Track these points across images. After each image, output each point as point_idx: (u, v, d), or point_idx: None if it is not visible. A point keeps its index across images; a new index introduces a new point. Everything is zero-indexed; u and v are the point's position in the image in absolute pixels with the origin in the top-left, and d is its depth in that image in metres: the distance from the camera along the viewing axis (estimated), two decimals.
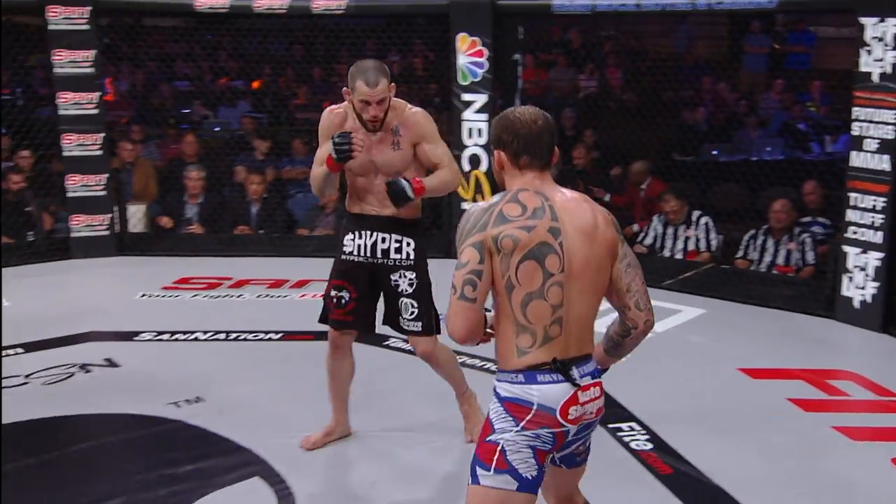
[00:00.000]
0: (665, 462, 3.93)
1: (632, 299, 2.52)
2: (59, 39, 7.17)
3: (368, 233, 3.79)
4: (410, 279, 3.79)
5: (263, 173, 8.22)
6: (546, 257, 2.33)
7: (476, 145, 7.22)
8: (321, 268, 7.01)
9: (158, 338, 5.59)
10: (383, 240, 3.77)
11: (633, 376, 4.88)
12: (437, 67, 8.31)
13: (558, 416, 2.35)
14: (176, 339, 5.58)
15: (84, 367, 5.09)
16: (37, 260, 7.30)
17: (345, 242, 3.85)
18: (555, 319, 2.35)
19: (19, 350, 5.36)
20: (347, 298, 3.81)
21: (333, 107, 3.83)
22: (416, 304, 3.80)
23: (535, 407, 2.33)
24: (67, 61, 7.19)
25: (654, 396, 4.66)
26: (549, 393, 2.34)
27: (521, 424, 2.33)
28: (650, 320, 2.58)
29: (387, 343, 5.28)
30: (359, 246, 3.81)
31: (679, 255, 7.12)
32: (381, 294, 3.90)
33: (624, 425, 4.28)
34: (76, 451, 4.24)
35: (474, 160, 7.25)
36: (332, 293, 3.85)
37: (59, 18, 7.13)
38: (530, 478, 2.36)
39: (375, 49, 9.93)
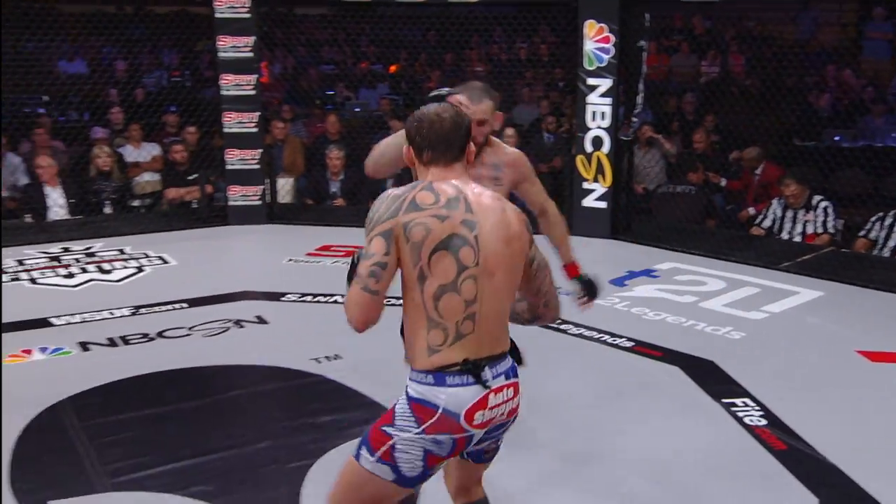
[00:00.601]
0: (779, 438, 3.75)
1: (542, 299, 2.48)
2: (223, 27, 7.40)
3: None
4: None
5: None
6: (460, 249, 2.17)
7: (599, 128, 7.12)
8: None
9: (302, 299, 5.72)
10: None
11: (749, 354, 4.76)
12: (563, 53, 8.20)
13: (462, 422, 2.19)
14: (318, 301, 5.69)
15: (238, 323, 5.25)
16: (199, 225, 7.60)
17: None
18: (468, 315, 2.19)
19: (184, 304, 5.58)
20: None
21: None
22: None
23: (440, 411, 2.18)
24: (230, 46, 7.40)
25: (769, 374, 4.49)
26: (457, 397, 2.18)
27: (423, 427, 2.18)
28: (557, 316, 2.61)
29: None
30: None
31: (798, 239, 6.85)
32: None
33: (738, 401, 4.11)
34: (229, 397, 4.42)
35: (597, 142, 7.15)
36: None
37: (224, 7, 7.34)
38: (410, 476, 2.23)
39: (504, 35, 9.92)
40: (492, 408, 2.22)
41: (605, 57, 6.99)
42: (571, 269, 3.44)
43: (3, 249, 6.81)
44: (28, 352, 4.78)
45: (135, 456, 3.63)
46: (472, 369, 2.18)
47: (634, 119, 7.26)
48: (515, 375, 2.33)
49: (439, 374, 2.18)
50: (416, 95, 9.48)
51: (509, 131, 8.03)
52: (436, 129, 2.27)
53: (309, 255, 6.75)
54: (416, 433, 2.18)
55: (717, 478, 3.47)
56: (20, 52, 8.09)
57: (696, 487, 3.40)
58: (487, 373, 2.21)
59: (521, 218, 2.32)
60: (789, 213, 6.90)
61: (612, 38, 6.92)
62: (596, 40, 6.98)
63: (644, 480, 3.44)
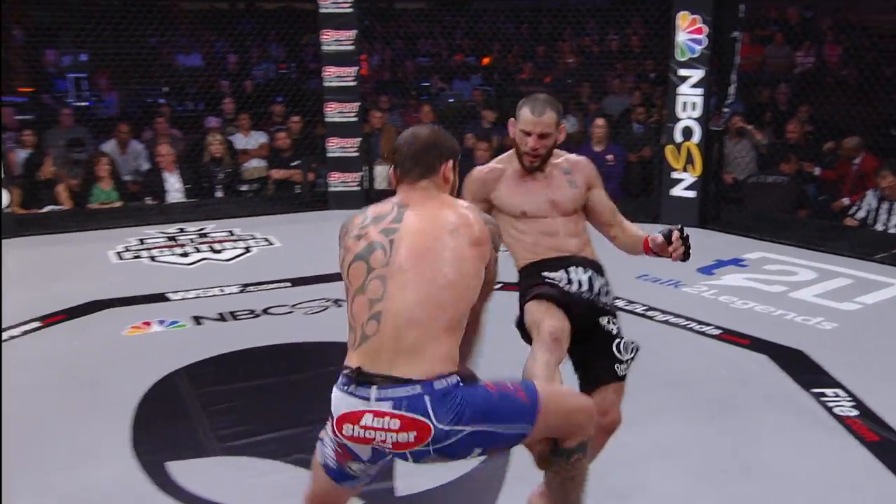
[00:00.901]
0: (871, 430, 3.59)
1: (471, 320, 2.24)
2: (327, 21, 7.50)
3: (573, 267, 2.99)
4: (618, 326, 3.13)
5: (490, 140, 8.28)
6: (372, 254, 2.10)
7: (689, 118, 6.96)
8: None
9: None
10: (576, 282, 2.99)
11: (840, 344, 4.60)
12: (655, 44, 8.04)
13: (333, 426, 2.09)
14: None
15: (336, 302, 5.28)
16: (302, 209, 7.74)
17: (549, 276, 2.98)
18: (372, 314, 2.06)
19: (287, 284, 5.68)
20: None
21: (485, 167, 3.11)
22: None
23: (331, 411, 2.12)
24: (333, 40, 7.50)
25: (861, 365, 4.31)
26: (337, 400, 2.08)
27: (329, 422, 2.15)
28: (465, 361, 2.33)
29: None
30: (570, 280, 2.97)
31: (893, 231, 6.56)
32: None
33: (828, 391, 3.95)
34: (327, 371, 4.36)
35: (687, 132, 7.00)
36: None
37: (328, 3, 7.45)
38: (331, 468, 2.19)
39: (596, 28, 9.78)
40: (365, 427, 2.02)
41: (698, 48, 6.82)
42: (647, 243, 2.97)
43: (128, 228, 7.08)
44: (148, 324, 4.95)
45: (242, 423, 3.72)
46: (356, 379, 2.04)
47: (726, 109, 7.08)
48: (416, 412, 2.00)
49: (340, 376, 2.11)
50: (507, 86, 9.45)
51: (599, 122, 7.93)
52: (407, 148, 2.24)
53: None
54: (329, 425, 2.15)
55: (805, 466, 3.38)
56: (143, 46, 8.34)
57: (785, 475, 3.31)
58: (372, 391, 2.02)
59: (468, 218, 2.17)
60: (885, 205, 6.60)
61: (706, 30, 6.75)
62: (689, 31, 6.83)
63: (732, 466, 3.38)
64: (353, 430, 2.03)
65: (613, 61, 9.70)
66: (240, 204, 7.78)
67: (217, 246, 6.65)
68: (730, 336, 4.73)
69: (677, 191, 7.15)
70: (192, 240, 6.80)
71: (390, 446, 2.03)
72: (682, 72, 6.92)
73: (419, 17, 11.02)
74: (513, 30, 10.60)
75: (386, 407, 1.99)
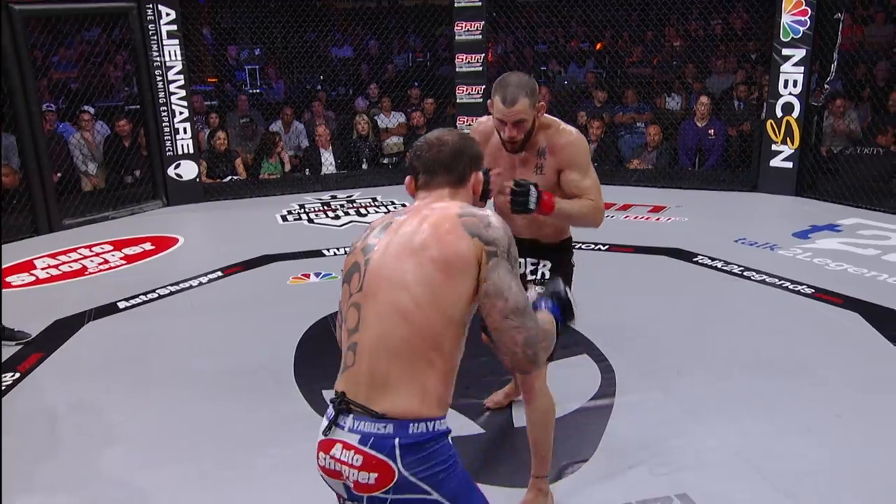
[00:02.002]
0: None
1: (495, 336, 1.64)
2: (460, 14, 7.46)
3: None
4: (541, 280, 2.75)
5: (601, 118, 8.08)
6: (352, 276, 1.72)
7: (790, 94, 6.58)
8: (641, 195, 6.87)
9: None
10: (520, 264, 2.62)
11: None
12: (759, 27, 7.61)
13: (316, 451, 1.68)
14: None
15: None
16: None
17: None
18: (349, 345, 1.68)
19: None
20: None
21: (483, 119, 2.74)
22: None
23: None
24: (464, 31, 7.46)
25: None
26: (322, 425, 1.67)
27: None
28: (519, 365, 1.65)
29: None
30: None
31: None
32: None
33: None
34: None
35: (787, 107, 6.62)
36: None
37: None
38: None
39: (699, 13, 9.36)
40: (334, 459, 1.62)
41: (801, 29, 6.42)
42: (547, 195, 2.44)
43: (290, 195, 7.29)
44: (307, 276, 5.08)
45: None
46: (337, 404, 1.65)
47: (826, 86, 6.65)
48: (384, 452, 1.57)
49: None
50: (617, 69, 9.17)
51: (703, 99, 7.60)
52: (432, 154, 1.80)
53: None
54: None
55: (881, 423, 3.18)
56: (304, 41, 8.53)
57: (875, 422, 3.13)
58: (348, 420, 1.62)
59: (452, 232, 1.65)
60: None
61: (809, 11, 6.35)
62: (793, 13, 6.43)
63: (825, 415, 3.22)
64: (325, 459, 1.65)
65: (717, 44, 9.27)
66: (382, 174, 7.88)
67: (363, 210, 6.77)
68: (823, 295, 4.48)
69: (776, 162, 6.79)
70: (342, 205, 6.95)
71: (351, 482, 1.61)
72: (786, 51, 6.53)
73: (539, 8, 10.80)
74: (624, 17, 10.26)
75: (351, 439, 1.60)
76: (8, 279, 5.15)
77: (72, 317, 4.45)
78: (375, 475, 1.58)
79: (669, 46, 9.62)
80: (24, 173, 6.22)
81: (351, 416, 1.62)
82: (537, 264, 2.76)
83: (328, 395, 3.44)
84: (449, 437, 1.65)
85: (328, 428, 1.64)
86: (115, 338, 4.23)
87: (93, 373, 3.82)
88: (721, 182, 7.23)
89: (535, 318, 1.66)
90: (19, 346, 4.08)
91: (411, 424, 1.59)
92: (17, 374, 3.78)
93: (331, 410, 1.66)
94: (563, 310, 1.89)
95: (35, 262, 5.52)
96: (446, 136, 1.83)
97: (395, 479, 1.57)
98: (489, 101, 2.55)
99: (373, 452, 1.57)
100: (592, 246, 5.46)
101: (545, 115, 2.59)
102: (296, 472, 2.92)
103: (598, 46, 10.19)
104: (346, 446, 1.60)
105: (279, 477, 2.90)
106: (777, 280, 4.71)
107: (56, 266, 5.43)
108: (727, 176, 7.40)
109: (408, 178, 1.84)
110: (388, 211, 6.63)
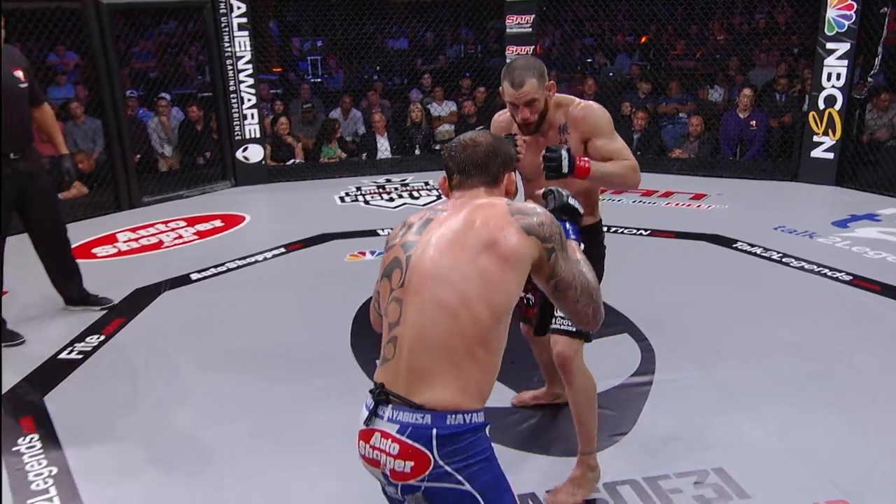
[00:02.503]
0: None
1: (569, 315, 1.74)
2: (512, 7, 7.36)
3: None
4: None
5: (645, 108, 7.93)
6: (392, 272, 1.66)
7: (833, 87, 6.36)
8: (683, 183, 6.73)
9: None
10: None
11: None
12: (803, 21, 7.36)
13: (357, 440, 1.65)
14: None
15: None
16: None
17: None
18: (390, 338, 1.63)
19: None
20: (531, 302, 2.66)
21: (500, 112, 2.69)
22: None
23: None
24: (515, 24, 7.37)
25: None
26: (362, 415, 1.63)
27: None
28: (590, 327, 1.77)
29: None
30: None
31: None
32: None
33: None
34: None
35: (830, 100, 6.39)
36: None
37: None
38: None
39: (743, 6, 9.10)
40: (373, 447, 1.59)
41: (846, 23, 6.18)
42: (581, 160, 2.37)
43: (348, 178, 7.31)
44: (363, 253, 5.11)
45: None
46: (376, 395, 1.61)
47: (870, 79, 6.41)
48: (421, 442, 1.53)
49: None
50: (661, 61, 8.99)
51: (746, 91, 7.41)
52: (466, 154, 1.75)
53: None
54: None
55: None
56: (363, 33, 8.54)
57: None
58: (387, 410, 1.58)
59: (501, 228, 1.61)
60: None
61: (855, 6, 6.11)
62: (838, 7, 6.19)
63: (864, 400, 3.13)
64: (364, 448, 1.62)
65: (760, 38, 9.01)
66: (433, 160, 7.84)
67: (415, 193, 6.77)
68: (861, 282, 4.33)
69: (817, 153, 6.58)
70: (396, 188, 6.96)
71: (388, 471, 1.57)
72: (830, 45, 6.30)
73: (587, 3, 10.61)
74: (669, 11, 10.04)
75: (391, 428, 1.57)
76: (93, 250, 5.31)
77: (150, 286, 4.55)
78: (412, 464, 1.54)
79: (713, 40, 9.39)
80: (108, 154, 6.38)
81: (390, 406, 1.57)
82: None
83: None
84: (487, 430, 1.61)
85: (368, 418, 1.60)
86: (187, 307, 4.33)
87: (167, 337, 3.91)
88: (762, 171, 7.05)
89: (594, 285, 1.72)
90: (103, 311, 4.20)
91: (449, 416, 1.54)
92: (102, 337, 3.89)
93: (370, 400, 1.61)
94: (574, 218, 1.93)
95: (117, 235, 5.66)
96: (480, 137, 1.78)
97: (430, 468, 1.53)
98: (500, 89, 2.47)
99: (410, 441, 1.53)
100: (634, 231, 5.38)
101: (560, 94, 2.52)
102: (348, 437, 2.94)
103: (643, 40, 10.00)
104: (385, 435, 1.56)
105: (331, 442, 2.93)
106: (815, 267, 4.58)
107: (136, 240, 5.56)
108: (768, 165, 7.21)
109: (441, 177, 1.81)
110: (439, 196, 6.63)
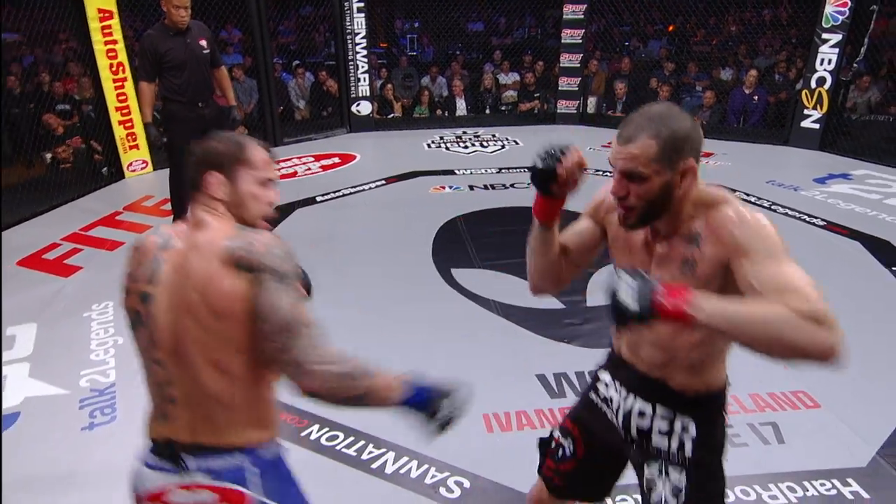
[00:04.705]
0: None
1: (282, 369, 1.04)
2: None
3: (624, 390, 1.31)
4: (676, 486, 1.20)
5: (669, 83, 7.41)
6: (139, 330, 1.12)
7: (825, 70, 5.78)
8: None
9: (596, 173, 5.38)
10: (641, 413, 1.27)
11: None
12: (803, 15, 6.65)
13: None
14: (606, 175, 5.34)
15: None
16: (538, 123, 7.36)
17: (600, 375, 1.40)
18: (166, 397, 1.11)
19: (525, 169, 5.42)
20: (569, 453, 1.40)
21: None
22: None
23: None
24: (570, 12, 6.91)
25: None
26: (139, 477, 1.12)
27: None
28: (320, 392, 1.04)
29: None
30: (611, 399, 1.35)
31: None
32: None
33: None
34: None
35: (820, 80, 5.83)
36: (556, 433, 1.44)
37: None
38: None
39: (753, 3, 8.31)
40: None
41: (840, 17, 5.56)
42: (674, 294, 0.99)
43: (433, 130, 7.13)
44: (443, 187, 5.02)
45: (493, 251, 3.74)
46: (158, 451, 1.12)
47: (855, 65, 5.80)
48: (234, 482, 1.08)
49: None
50: (684, 46, 8.33)
51: (752, 72, 6.82)
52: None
53: (602, 146, 6.32)
54: None
55: (866, 320, 2.86)
56: (449, 17, 8.17)
57: (866, 327, 2.84)
58: (188, 461, 1.09)
59: (215, 263, 1.05)
60: None
61: (849, 3, 5.47)
62: (835, 5, 5.56)
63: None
64: None
65: (766, 29, 8.25)
66: (500, 118, 7.58)
67: (485, 143, 6.58)
68: (833, 227, 4.05)
69: (806, 123, 6.06)
70: (470, 139, 6.78)
71: None
72: (825, 35, 5.70)
73: None
74: (693, 5, 9.25)
75: (203, 479, 1.08)
76: None
77: (286, 204, 4.59)
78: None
79: (727, 30, 8.65)
80: (260, 106, 6.39)
81: (191, 457, 1.09)
82: (672, 420, 1.23)
83: (455, 272, 3.48)
84: (281, 455, 1.17)
85: (146, 476, 1.11)
86: (315, 221, 4.38)
87: (301, 243, 3.96)
88: (759, 137, 6.55)
89: (313, 338, 1.04)
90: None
91: (256, 450, 1.11)
92: None
93: (153, 460, 1.11)
94: (432, 402, 1.11)
95: None
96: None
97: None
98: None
99: (226, 485, 1.07)
100: None
101: (707, 188, 1.15)
102: (426, 320, 2.97)
103: (671, 28, 9.27)
104: (191, 487, 1.08)
105: (413, 327, 2.96)
106: (797, 214, 4.29)
107: (278, 170, 5.57)
108: (765, 133, 6.69)
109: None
110: (503, 146, 6.43)
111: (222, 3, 5.88)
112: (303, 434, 2.25)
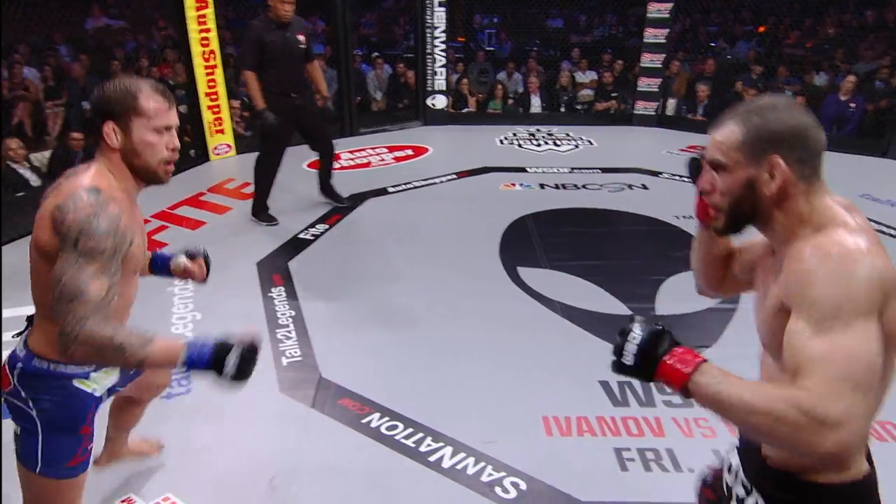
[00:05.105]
0: None
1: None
2: None
3: (731, 465, 1.12)
4: None
5: (756, 87, 6.99)
6: None
7: None
8: None
9: (672, 178, 5.17)
10: (741, 499, 1.04)
11: None
12: None
13: None
14: (683, 181, 5.03)
15: (629, 186, 4.90)
16: (613, 124, 7.14)
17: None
18: None
19: (598, 170, 5.32)
20: None
21: None
22: None
23: None
24: (656, 10, 6.62)
25: None
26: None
27: None
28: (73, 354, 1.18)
29: None
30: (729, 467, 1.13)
31: None
32: None
33: None
34: (619, 230, 4.16)
35: None
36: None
37: None
38: None
39: (855, 4, 7.74)
40: None
41: None
42: (683, 357, 0.89)
43: (506, 126, 6.98)
44: (513, 184, 4.95)
45: (561, 252, 3.68)
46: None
47: None
48: (9, 366, 1.34)
49: None
50: (774, 48, 7.84)
51: (850, 78, 6.33)
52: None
53: (680, 150, 6.08)
54: None
55: None
56: (528, 13, 8.05)
57: None
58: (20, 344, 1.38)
59: (46, 215, 1.20)
60: None
61: None
62: None
63: None
64: None
65: (867, 33, 7.62)
66: (575, 116, 7.39)
67: (558, 142, 6.45)
68: None
69: None
70: (543, 137, 6.66)
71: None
72: None
73: None
74: (786, 6, 8.67)
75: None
76: None
77: (359, 193, 4.67)
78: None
79: (825, 33, 8.06)
80: (338, 96, 6.53)
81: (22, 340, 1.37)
82: (744, 499, 1.06)
83: (521, 270, 3.43)
84: (75, 383, 1.34)
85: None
86: (385, 211, 4.42)
87: (370, 231, 4.05)
88: (855, 147, 6.07)
89: (78, 313, 1.15)
90: (329, 207, 4.35)
91: (35, 359, 1.32)
92: (326, 226, 4.08)
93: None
94: (215, 360, 1.21)
95: (341, 155, 5.83)
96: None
97: (10, 386, 1.33)
98: None
99: (4, 364, 1.35)
100: None
101: (831, 206, 0.98)
102: (488, 316, 2.94)
103: (761, 29, 8.74)
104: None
105: (475, 322, 2.94)
106: (894, 232, 3.95)
107: (353, 159, 5.73)
108: (861, 143, 6.20)
109: None
110: (577, 145, 6.28)
111: None
112: (363, 421, 2.28)
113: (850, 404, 0.77)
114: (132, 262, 1.29)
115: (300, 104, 3.86)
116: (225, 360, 1.20)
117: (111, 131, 1.23)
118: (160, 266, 1.65)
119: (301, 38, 3.81)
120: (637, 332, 0.92)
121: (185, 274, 1.64)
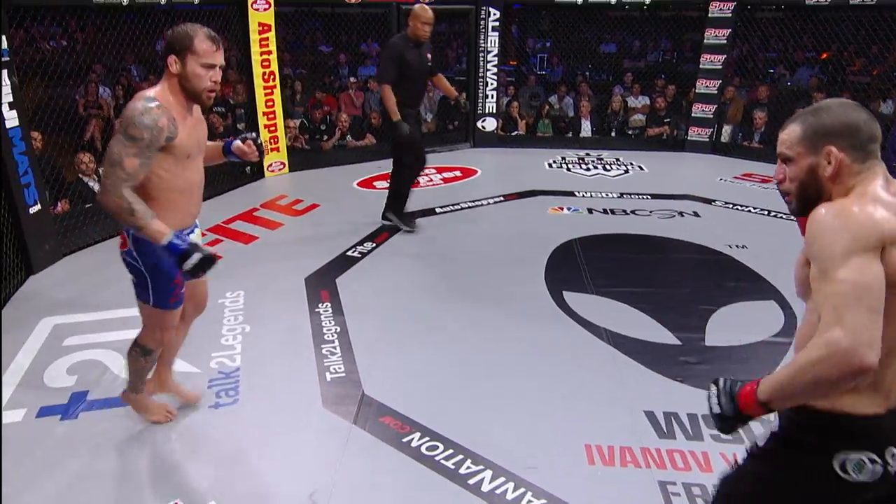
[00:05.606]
0: None
1: None
2: (712, 22, 6.55)
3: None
4: None
5: None
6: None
7: None
8: None
9: (727, 205, 5.03)
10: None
11: None
12: None
13: None
14: (736, 209, 4.93)
15: (681, 213, 4.80)
16: (665, 150, 7.03)
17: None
18: None
19: (648, 196, 5.23)
20: None
21: None
22: None
23: None
24: (713, 36, 6.54)
25: None
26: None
27: None
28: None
29: None
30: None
31: None
32: None
33: None
34: (669, 257, 4.08)
35: None
36: None
37: (715, 10, 6.48)
38: None
39: None
40: None
41: None
42: (745, 395, 1.09)
43: (556, 149, 6.97)
44: (561, 208, 4.91)
45: (608, 278, 3.61)
46: None
47: None
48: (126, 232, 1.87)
49: None
50: (838, 76, 7.55)
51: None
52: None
53: (735, 178, 5.93)
54: None
55: None
56: (581, 39, 8.05)
57: None
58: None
59: (124, 114, 1.75)
60: None
61: None
62: None
63: None
64: None
65: None
66: (626, 141, 7.32)
67: (608, 166, 6.38)
68: None
69: None
70: (593, 161, 6.61)
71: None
72: None
73: (775, 21, 9.11)
74: (852, 32, 8.34)
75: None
76: (374, 183, 5.62)
77: (408, 213, 4.70)
78: (120, 239, 1.90)
79: (893, 59, 7.71)
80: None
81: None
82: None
83: (567, 295, 3.39)
84: (171, 241, 1.72)
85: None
86: (432, 231, 4.45)
87: (417, 250, 4.08)
88: None
89: (116, 176, 1.67)
90: (379, 226, 4.39)
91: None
92: (374, 245, 4.14)
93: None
94: (185, 253, 1.72)
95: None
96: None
97: (126, 247, 1.87)
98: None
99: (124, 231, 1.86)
100: (792, 217, 4.66)
101: (865, 183, 1.09)
102: (532, 340, 2.90)
103: (824, 56, 8.43)
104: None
105: (518, 346, 2.90)
106: None
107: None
108: None
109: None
110: (627, 170, 6.20)
111: (365, 18, 6.22)
112: (404, 440, 2.28)
113: (851, 318, 0.93)
114: (180, 150, 1.75)
115: (419, 117, 4.12)
116: (191, 257, 1.69)
117: (173, 62, 1.72)
118: (229, 151, 2.09)
119: (429, 55, 4.11)
120: (715, 389, 1.15)
121: (241, 153, 2.07)
